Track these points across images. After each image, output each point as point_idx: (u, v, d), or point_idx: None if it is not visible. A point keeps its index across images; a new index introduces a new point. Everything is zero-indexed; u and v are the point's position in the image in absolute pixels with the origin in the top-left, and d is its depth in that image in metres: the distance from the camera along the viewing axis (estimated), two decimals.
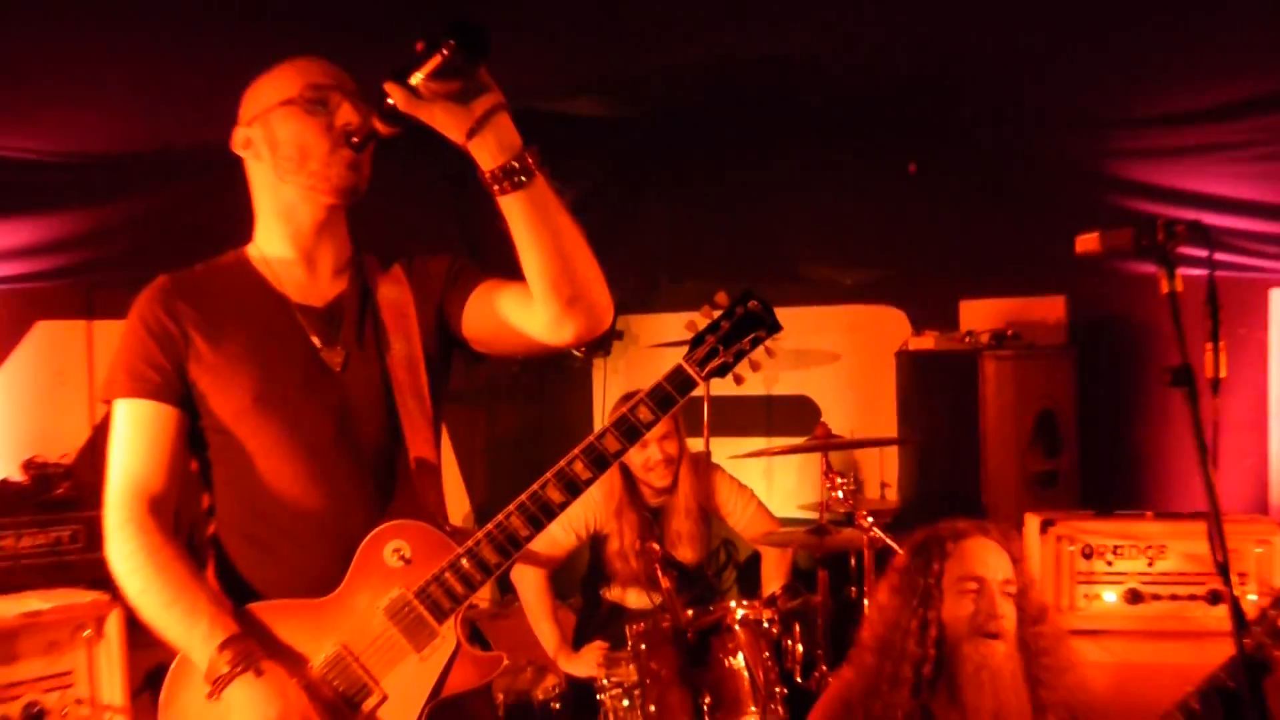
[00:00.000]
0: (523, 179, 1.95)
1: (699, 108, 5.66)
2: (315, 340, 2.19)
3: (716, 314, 2.21)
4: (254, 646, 2.03)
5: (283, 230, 2.22)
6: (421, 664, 2.09)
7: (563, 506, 2.10)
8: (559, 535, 4.28)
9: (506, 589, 4.97)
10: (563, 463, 2.10)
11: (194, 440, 2.20)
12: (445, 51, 1.85)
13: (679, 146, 6.08)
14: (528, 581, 4.36)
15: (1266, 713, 2.10)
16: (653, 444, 4.21)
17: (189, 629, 2.04)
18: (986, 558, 2.64)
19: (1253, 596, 2.38)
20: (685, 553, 4.39)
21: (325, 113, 2.13)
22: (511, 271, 2.08)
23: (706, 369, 2.18)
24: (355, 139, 2.11)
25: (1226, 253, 4.40)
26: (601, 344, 6.12)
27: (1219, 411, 2.12)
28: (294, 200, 2.19)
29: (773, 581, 4.45)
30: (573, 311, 2.06)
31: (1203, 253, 2.18)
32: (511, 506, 2.09)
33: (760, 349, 2.21)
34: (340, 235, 2.25)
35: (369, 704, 2.08)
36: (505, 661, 2.16)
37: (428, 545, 2.11)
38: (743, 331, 2.19)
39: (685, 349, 2.19)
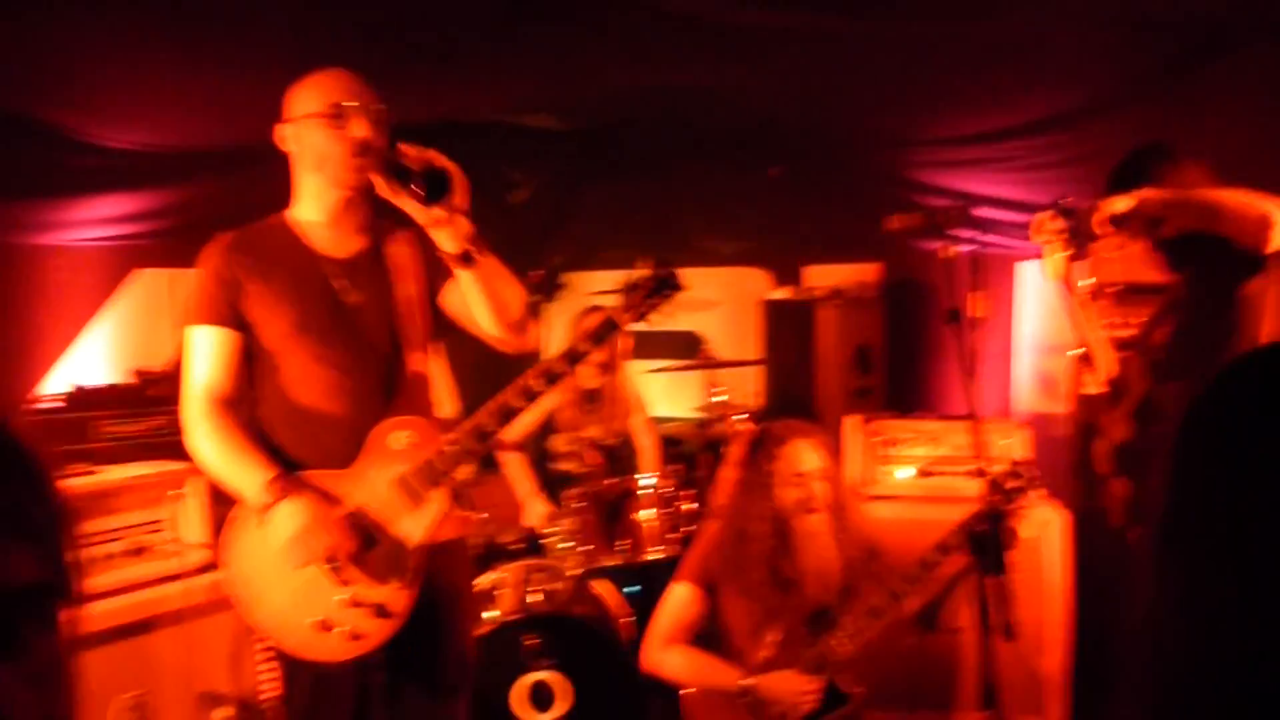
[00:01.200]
0: (471, 259, 1.97)
1: (624, 124, 5.59)
2: (337, 284, 2.12)
3: (637, 277, 2.18)
4: (292, 480, 2.01)
5: (314, 204, 2.15)
6: (417, 520, 2.06)
7: (521, 410, 2.08)
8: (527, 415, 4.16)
9: (482, 466, 4.90)
10: (521, 380, 2.08)
11: (249, 356, 2.14)
12: (418, 191, 1.90)
13: (609, 151, 6.01)
14: (513, 461, 4.27)
15: (1000, 544, 2.18)
16: None
17: (247, 475, 2.01)
18: (805, 455, 2.62)
19: (998, 469, 2.44)
20: (620, 424, 4.33)
21: (343, 127, 2.03)
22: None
23: (628, 316, 2.16)
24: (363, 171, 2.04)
25: (990, 235, 4.43)
26: (549, 293, 6.05)
27: (979, 343, 2.14)
28: (321, 185, 2.11)
29: (646, 463, 4.39)
30: (508, 336, 2.11)
31: (969, 233, 2.20)
32: (486, 407, 2.07)
33: (667, 302, 2.19)
34: (360, 205, 2.16)
35: (379, 548, 2.05)
36: (474, 519, 2.15)
37: (422, 434, 2.08)
38: (656, 290, 2.18)
39: (613, 298, 2.17)
